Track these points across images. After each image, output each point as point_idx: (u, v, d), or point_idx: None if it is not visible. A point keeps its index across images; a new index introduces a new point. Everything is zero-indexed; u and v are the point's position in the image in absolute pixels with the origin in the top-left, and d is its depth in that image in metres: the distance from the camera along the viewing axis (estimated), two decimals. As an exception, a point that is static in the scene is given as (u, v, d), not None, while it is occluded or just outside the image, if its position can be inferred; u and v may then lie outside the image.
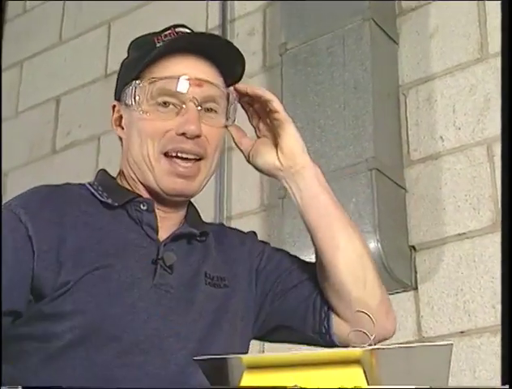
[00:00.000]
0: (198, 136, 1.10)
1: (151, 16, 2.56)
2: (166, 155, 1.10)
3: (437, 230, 1.90)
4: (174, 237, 1.12)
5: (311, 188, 1.13)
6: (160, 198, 1.13)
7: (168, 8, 2.53)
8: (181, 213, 1.17)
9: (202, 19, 2.49)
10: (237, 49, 1.15)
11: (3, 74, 2.92)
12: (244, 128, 1.20)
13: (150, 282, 1.06)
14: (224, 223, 2.16)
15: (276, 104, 1.12)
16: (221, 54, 1.13)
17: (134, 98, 1.13)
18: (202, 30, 2.46)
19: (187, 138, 1.09)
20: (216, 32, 2.43)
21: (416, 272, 1.90)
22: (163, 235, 1.12)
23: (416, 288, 1.89)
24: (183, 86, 1.10)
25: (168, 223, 1.14)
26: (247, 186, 2.23)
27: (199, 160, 1.11)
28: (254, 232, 1.27)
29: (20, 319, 1.03)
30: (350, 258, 1.09)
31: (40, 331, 1.02)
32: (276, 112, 1.12)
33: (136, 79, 1.12)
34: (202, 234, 1.16)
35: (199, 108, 1.10)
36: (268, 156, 1.15)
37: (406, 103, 2.04)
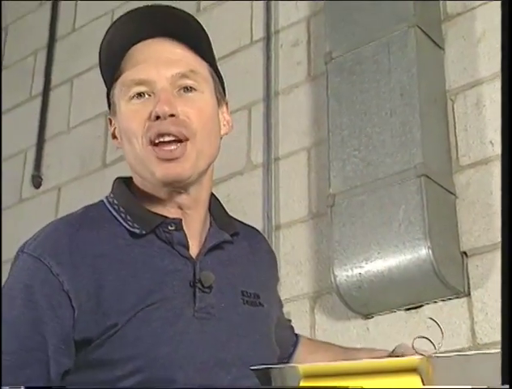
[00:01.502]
0: (173, 115, 1.05)
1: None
2: (152, 144, 1.06)
3: (488, 235, 1.88)
4: (207, 251, 1.11)
5: None
6: (170, 193, 1.09)
7: (213, 20, 2.56)
8: (203, 208, 1.13)
9: (246, 31, 2.51)
10: (194, 22, 1.11)
11: (55, 91, 2.99)
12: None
13: (191, 309, 1.05)
14: (273, 232, 2.18)
15: None
16: (182, 32, 1.10)
17: (113, 104, 1.13)
18: (247, 42, 2.49)
19: (163, 119, 1.05)
20: (261, 44, 2.45)
21: (468, 278, 1.87)
22: (194, 243, 1.10)
23: (468, 295, 1.86)
24: (148, 70, 1.07)
25: (195, 225, 1.11)
26: (295, 195, 2.23)
27: (185, 141, 1.07)
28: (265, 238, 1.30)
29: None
30: None
31: (89, 380, 1.00)
32: None
33: (111, 87, 1.13)
34: (233, 235, 1.15)
35: (175, 89, 1.07)
36: None
37: (453, 108, 2.03)
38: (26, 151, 2.96)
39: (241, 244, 1.17)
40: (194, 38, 1.11)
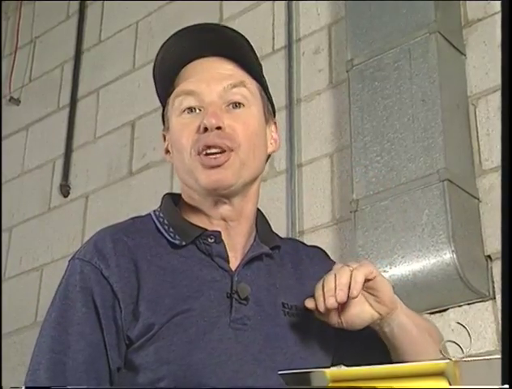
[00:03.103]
0: (219, 128, 1.08)
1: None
2: (199, 155, 1.10)
3: (512, 239, 1.88)
4: (246, 263, 1.12)
5: (402, 324, 1.12)
6: (214, 203, 1.12)
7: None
8: (247, 222, 1.15)
9: (268, 40, 2.54)
10: (244, 42, 1.14)
11: (82, 102, 3.05)
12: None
13: (227, 319, 1.06)
14: (297, 238, 2.19)
15: (376, 272, 1.08)
16: (233, 51, 1.13)
17: (166, 120, 1.16)
18: (269, 51, 2.52)
19: (210, 131, 1.08)
20: (283, 52, 2.48)
21: (493, 282, 1.87)
22: (235, 256, 1.12)
23: (493, 298, 1.86)
24: (199, 83, 1.11)
25: (238, 238, 1.13)
26: (318, 201, 2.25)
27: (229, 151, 1.09)
28: (324, 251, 1.27)
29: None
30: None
31: (127, 383, 1.03)
32: (375, 277, 1.08)
33: (165, 104, 1.16)
34: (274, 249, 1.16)
35: (224, 104, 1.10)
36: (364, 314, 1.10)
37: (476, 113, 2.03)
38: (54, 161, 3.02)
39: (282, 258, 1.18)
40: (245, 57, 1.15)
